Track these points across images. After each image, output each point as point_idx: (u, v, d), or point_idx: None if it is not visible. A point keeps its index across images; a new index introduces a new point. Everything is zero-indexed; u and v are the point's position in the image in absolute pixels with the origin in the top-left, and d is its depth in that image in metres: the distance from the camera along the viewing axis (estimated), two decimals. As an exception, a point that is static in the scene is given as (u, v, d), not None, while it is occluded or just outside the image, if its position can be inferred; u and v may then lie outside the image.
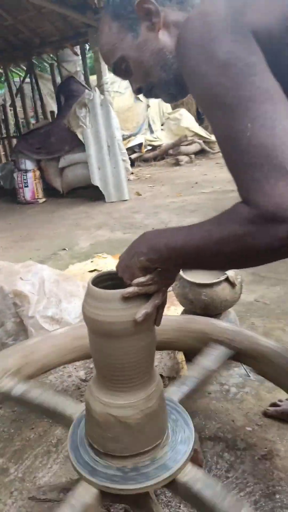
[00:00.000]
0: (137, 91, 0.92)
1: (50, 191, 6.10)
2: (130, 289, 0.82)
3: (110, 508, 1.14)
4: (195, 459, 1.20)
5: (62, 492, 1.06)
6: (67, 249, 3.64)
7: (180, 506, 1.13)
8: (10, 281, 1.94)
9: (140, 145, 8.70)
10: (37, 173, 5.94)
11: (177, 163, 8.02)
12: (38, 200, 5.93)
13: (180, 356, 1.66)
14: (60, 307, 1.97)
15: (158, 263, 0.78)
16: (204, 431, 1.39)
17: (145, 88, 0.91)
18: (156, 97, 0.92)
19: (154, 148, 8.91)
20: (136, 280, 0.81)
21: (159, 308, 0.88)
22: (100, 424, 0.89)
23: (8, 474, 1.31)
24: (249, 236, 0.62)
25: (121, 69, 0.91)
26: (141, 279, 0.81)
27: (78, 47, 6.79)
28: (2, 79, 8.95)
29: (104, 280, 0.91)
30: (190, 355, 1.69)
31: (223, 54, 0.64)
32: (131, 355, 0.87)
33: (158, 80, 0.87)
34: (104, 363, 0.90)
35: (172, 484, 0.89)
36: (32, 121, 7.90)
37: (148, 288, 0.82)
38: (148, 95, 0.92)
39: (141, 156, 8.65)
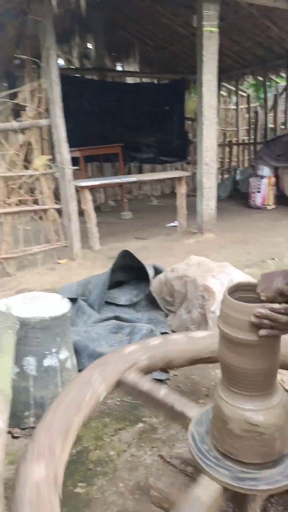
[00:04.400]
0: None
1: (281, 199, 6.05)
2: (262, 310, 0.85)
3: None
4: None
5: (184, 463, 1.22)
6: (277, 259, 3.62)
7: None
8: (203, 276, 2.18)
9: None
10: (272, 180, 5.99)
11: None
12: (266, 206, 5.99)
13: None
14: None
15: None
16: None
17: None
18: None
19: None
20: (270, 305, 0.85)
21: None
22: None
23: (156, 433, 1.56)
24: None
25: None
26: (276, 305, 0.84)
27: None
28: (270, 85, 9.18)
29: (241, 291, 0.99)
30: None
31: None
32: (252, 363, 0.94)
33: None
34: (227, 366, 0.99)
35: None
36: (282, 127, 7.89)
37: (278, 316, 0.84)
38: None
39: None
